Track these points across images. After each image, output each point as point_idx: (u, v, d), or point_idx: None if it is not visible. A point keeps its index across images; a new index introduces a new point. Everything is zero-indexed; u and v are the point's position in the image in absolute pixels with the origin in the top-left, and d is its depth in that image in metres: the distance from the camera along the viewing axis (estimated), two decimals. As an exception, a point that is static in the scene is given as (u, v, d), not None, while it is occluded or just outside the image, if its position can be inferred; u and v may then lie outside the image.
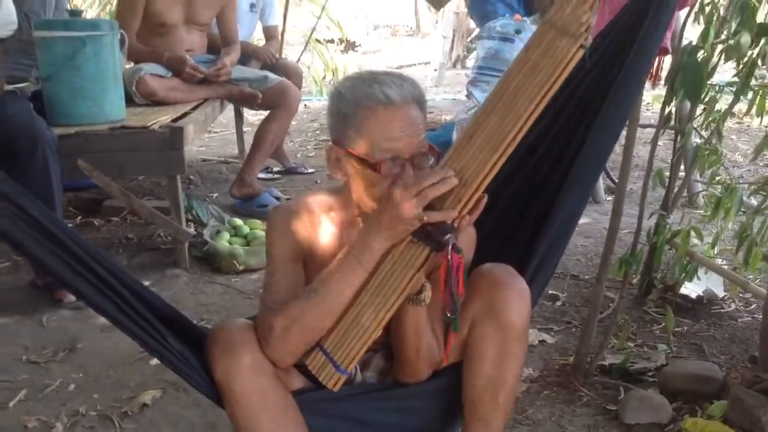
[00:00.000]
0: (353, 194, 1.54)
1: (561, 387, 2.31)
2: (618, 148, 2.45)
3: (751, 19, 2.20)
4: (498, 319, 1.55)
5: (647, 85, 2.30)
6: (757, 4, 2.26)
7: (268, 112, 4.19)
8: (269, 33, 5.09)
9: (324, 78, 8.52)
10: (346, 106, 1.47)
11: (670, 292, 2.85)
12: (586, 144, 1.79)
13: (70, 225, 3.65)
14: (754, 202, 2.68)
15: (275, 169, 4.89)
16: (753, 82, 2.36)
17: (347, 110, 1.47)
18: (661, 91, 2.43)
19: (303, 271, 1.59)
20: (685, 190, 3.16)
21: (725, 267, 2.91)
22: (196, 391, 1.62)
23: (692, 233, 2.48)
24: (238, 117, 5.20)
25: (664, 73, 2.37)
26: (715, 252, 2.86)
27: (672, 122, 2.52)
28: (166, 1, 3.87)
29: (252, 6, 4.87)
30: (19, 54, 3.15)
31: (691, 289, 2.82)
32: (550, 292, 2.93)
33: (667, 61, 2.44)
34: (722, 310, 2.83)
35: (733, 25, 2.26)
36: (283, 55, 5.53)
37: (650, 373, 2.36)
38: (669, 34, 2.61)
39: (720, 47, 2.34)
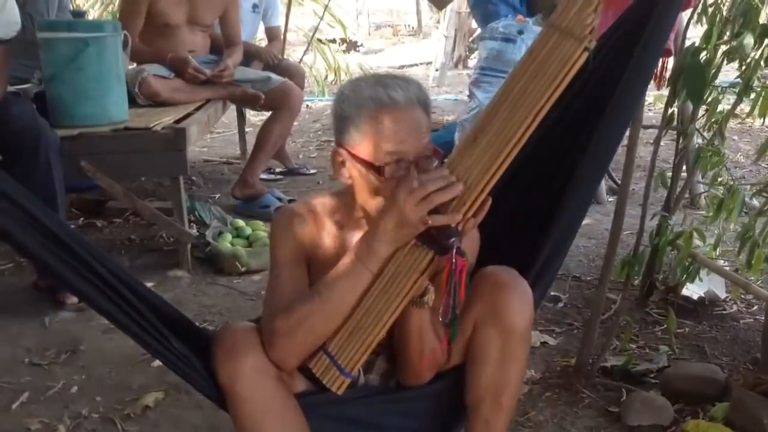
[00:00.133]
0: (357, 197, 1.54)
1: (563, 389, 2.31)
2: (620, 149, 2.45)
3: (754, 21, 2.20)
4: (501, 322, 1.55)
5: (652, 85, 2.30)
6: (760, 5, 2.26)
7: (271, 112, 4.19)
8: (272, 33, 5.10)
9: (326, 78, 8.52)
10: (350, 108, 1.47)
11: (672, 293, 2.85)
12: (590, 145, 1.78)
13: (73, 226, 3.65)
14: (756, 203, 2.68)
15: (277, 169, 4.89)
16: (756, 83, 2.36)
17: (351, 113, 1.47)
18: (664, 91, 2.42)
19: (307, 274, 1.59)
20: (688, 192, 3.16)
21: (727, 268, 2.91)
22: (198, 393, 1.63)
23: (694, 234, 2.48)
24: (240, 117, 5.21)
25: (668, 74, 2.36)
26: (717, 253, 2.86)
27: (674, 123, 2.52)
28: (169, 1, 3.88)
29: (255, 6, 4.87)
30: (21, 55, 3.16)
31: (693, 290, 2.82)
32: (552, 293, 2.93)
33: (671, 62, 2.43)
34: (724, 312, 2.83)
35: (736, 27, 2.26)
36: (286, 56, 5.54)
37: (652, 375, 2.36)
38: (672, 36, 2.61)
39: (723, 48, 2.34)
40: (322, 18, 7.67)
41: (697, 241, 2.50)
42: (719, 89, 2.43)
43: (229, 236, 3.44)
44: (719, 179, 2.59)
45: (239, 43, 4.23)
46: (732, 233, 2.90)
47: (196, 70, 3.77)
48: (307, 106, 7.28)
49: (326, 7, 7.65)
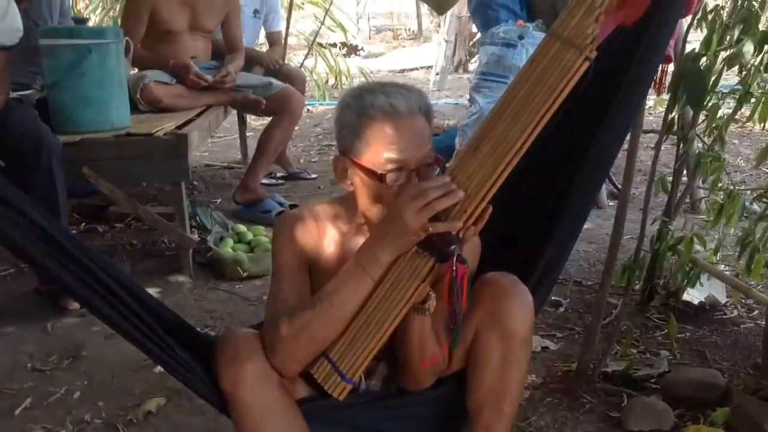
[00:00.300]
0: (359, 204, 1.54)
1: (564, 394, 2.32)
2: (621, 154, 2.46)
3: (754, 27, 2.21)
4: (501, 328, 1.56)
5: (652, 90, 2.31)
6: (760, 11, 2.27)
7: (272, 117, 4.20)
8: (273, 38, 5.11)
9: (327, 82, 8.54)
10: (352, 116, 1.48)
11: (672, 298, 2.85)
12: (591, 150, 1.80)
13: (74, 231, 3.66)
14: (756, 207, 2.69)
15: (278, 174, 4.90)
16: (756, 89, 2.37)
17: (354, 120, 1.48)
18: (664, 95, 2.43)
19: (308, 280, 1.60)
20: (688, 197, 3.17)
21: (728, 273, 2.92)
22: (200, 398, 1.63)
23: (695, 239, 2.48)
24: (241, 122, 5.21)
25: (668, 81, 2.37)
26: (718, 258, 2.86)
27: (675, 129, 2.53)
28: (171, 8, 3.89)
29: (256, 12, 4.88)
30: (23, 61, 3.17)
31: (693, 295, 2.82)
32: (553, 298, 2.93)
33: (671, 69, 2.44)
34: (725, 317, 2.83)
35: (736, 33, 2.27)
36: (287, 60, 5.54)
37: (653, 380, 2.36)
38: (672, 42, 2.62)
39: (723, 54, 2.34)
40: (323, 22, 7.70)
41: (697, 246, 2.51)
42: (719, 95, 2.43)
43: (230, 241, 3.45)
44: (719, 184, 2.59)
45: (241, 48, 4.25)
46: (732, 238, 2.90)
47: (197, 77, 3.78)
48: (308, 110, 7.29)
49: (327, 11, 7.67)
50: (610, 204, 4.10)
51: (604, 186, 4.13)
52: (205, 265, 3.34)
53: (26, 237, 1.45)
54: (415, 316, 1.49)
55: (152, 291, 2.89)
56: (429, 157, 1.49)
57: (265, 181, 4.47)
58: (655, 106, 3.93)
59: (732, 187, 2.49)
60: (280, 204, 4.08)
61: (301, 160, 5.49)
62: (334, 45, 9.61)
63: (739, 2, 2.32)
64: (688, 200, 3.38)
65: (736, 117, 2.69)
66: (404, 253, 1.45)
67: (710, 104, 2.42)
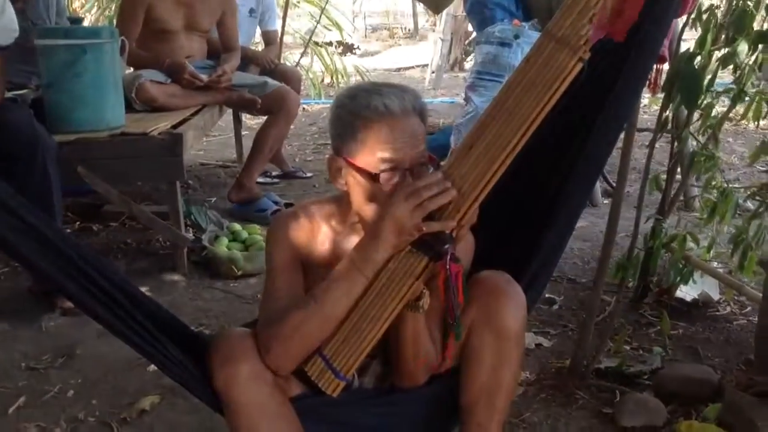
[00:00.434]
0: (353, 203, 1.55)
1: (557, 390, 2.32)
2: (615, 152, 2.47)
3: (749, 27, 2.22)
4: (494, 327, 1.57)
5: (646, 91, 2.32)
6: (754, 11, 2.28)
7: (268, 116, 4.20)
8: (268, 37, 5.12)
9: (323, 81, 8.54)
10: (347, 116, 1.49)
11: (665, 295, 2.87)
12: (585, 149, 1.80)
13: (68, 230, 3.67)
14: (750, 205, 2.70)
15: (274, 173, 4.90)
16: (750, 88, 2.38)
17: (348, 121, 1.49)
18: (659, 95, 2.44)
19: (303, 279, 1.60)
20: (682, 195, 3.18)
21: (721, 270, 2.93)
22: (194, 396, 1.64)
23: (688, 237, 2.50)
24: (237, 121, 5.22)
25: (663, 81, 2.39)
26: (711, 256, 2.87)
27: (669, 127, 2.54)
28: (167, 7, 3.89)
29: (252, 11, 4.89)
30: (19, 60, 3.17)
31: (686, 292, 2.84)
32: (546, 295, 2.94)
33: (666, 68, 2.46)
34: (717, 313, 2.85)
35: (731, 33, 2.28)
36: (282, 59, 5.54)
37: (646, 376, 2.37)
38: (666, 42, 2.63)
39: (717, 54, 2.35)
40: (318, 21, 7.70)
41: (690, 244, 2.52)
42: (713, 94, 2.45)
43: (225, 240, 3.45)
44: (713, 182, 2.61)
45: (237, 48, 4.24)
46: (726, 235, 2.92)
47: (192, 76, 3.78)
48: (304, 108, 7.29)
49: (323, 9, 7.67)
50: (604, 202, 4.11)
51: (598, 184, 4.15)
52: (199, 264, 3.34)
53: (19, 238, 1.44)
54: (408, 314, 1.50)
55: (147, 290, 2.90)
56: (423, 156, 1.50)
57: (260, 179, 4.48)
58: (649, 104, 3.95)
59: (726, 185, 2.50)
60: (276, 203, 4.08)
61: (297, 159, 5.49)
62: (330, 44, 9.62)
63: (734, 2, 2.33)
64: (681, 198, 3.39)
65: (731, 115, 2.71)
66: (398, 252, 1.45)
67: (704, 103, 2.43)
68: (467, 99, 4.24)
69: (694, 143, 2.63)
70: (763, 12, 2.64)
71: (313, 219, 1.62)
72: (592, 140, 1.81)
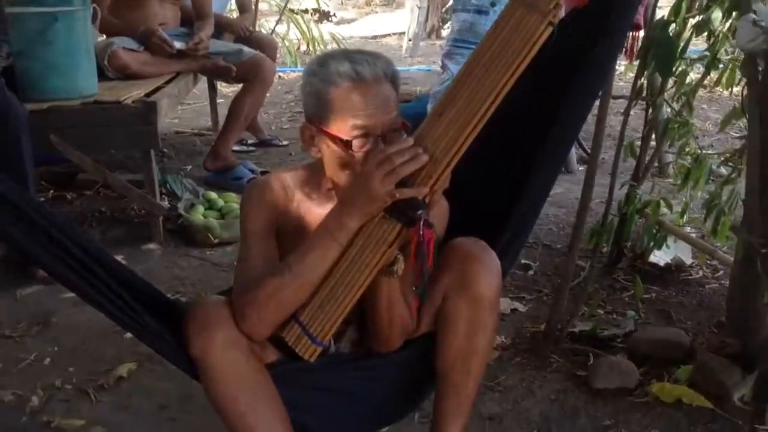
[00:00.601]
0: (326, 170, 1.55)
1: (532, 354, 2.36)
2: (590, 119, 2.48)
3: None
4: (469, 293, 1.58)
5: (623, 59, 2.33)
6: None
7: (243, 85, 4.17)
8: (243, 4, 5.04)
9: (298, 48, 8.46)
10: (318, 83, 1.48)
11: (639, 260, 2.90)
12: (560, 115, 1.80)
13: (42, 199, 3.63)
14: (723, 171, 2.73)
15: (249, 141, 4.87)
16: (723, 55, 2.40)
17: (320, 88, 1.48)
18: (635, 62, 2.45)
19: (277, 246, 1.60)
20: (656, 161, 3.20)
21: (694, 235, 2.97)
22: (171, 364, 1.64)
23: (662, 203, 2.52)
24: (212, 89, 5.16)
25: (638, 48, 2.39)
26: (684, 221, 2.91)
27: (644, 94, 2.55)
28: (139, -27, 3.83)
29: (225, -22, 4.82)
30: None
31: (660, 257, 2.87)
32: (522, 261, 2.97)
33: (641, 36, 2.46)
34: (690, 277, 2.89)
35: (705, 0, 2.29)
36: (258, 26, 5.48)
37: (619, 340, 2.41)
38: (641, 9, 2.63)
39: (692, 21, 2.36)
40: (294, -13, 7.60)
41: (664, 209, 2.55)
42: (688, 61, 2.46)
43: (201, 208, 3.44)
44: (687, 149, 2.63)
45: (210, 15, 4.18)
46: (699, 201, 2.95)
47: (162, 41, 3.73)
48: (280, 76, 7.23)
49: (298, -24, 7.59)
50: (579, 168, 4.13)
51: (573, 150, 4.16)
52: (175, 232, 3.33)
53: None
54: (383, 279, 1.51)
55: (122, 258, 2.89)
56: (395, 123, 1.50)
57: (236, 148, 4.45)
58: (625, 72, 3.95)
59: (699, 152, 2.53)
60: (252, 171, 4.07)
61: (273, 127, 5.45)
62: (306, 11, 9.51)
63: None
64: (656, 165, 3.42)
65: (705, 82, 2.72)
66: (371, 218, 1.45)
67: (679, 70, 2.44)
68: (444, 67, 4.21)
69: (669, 110, 2.64)
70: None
71: (287, 186, 1.61)
72: (566, 107, 1.80)
